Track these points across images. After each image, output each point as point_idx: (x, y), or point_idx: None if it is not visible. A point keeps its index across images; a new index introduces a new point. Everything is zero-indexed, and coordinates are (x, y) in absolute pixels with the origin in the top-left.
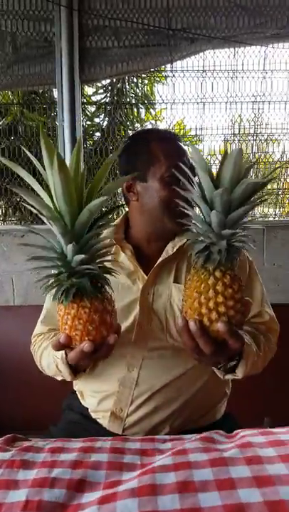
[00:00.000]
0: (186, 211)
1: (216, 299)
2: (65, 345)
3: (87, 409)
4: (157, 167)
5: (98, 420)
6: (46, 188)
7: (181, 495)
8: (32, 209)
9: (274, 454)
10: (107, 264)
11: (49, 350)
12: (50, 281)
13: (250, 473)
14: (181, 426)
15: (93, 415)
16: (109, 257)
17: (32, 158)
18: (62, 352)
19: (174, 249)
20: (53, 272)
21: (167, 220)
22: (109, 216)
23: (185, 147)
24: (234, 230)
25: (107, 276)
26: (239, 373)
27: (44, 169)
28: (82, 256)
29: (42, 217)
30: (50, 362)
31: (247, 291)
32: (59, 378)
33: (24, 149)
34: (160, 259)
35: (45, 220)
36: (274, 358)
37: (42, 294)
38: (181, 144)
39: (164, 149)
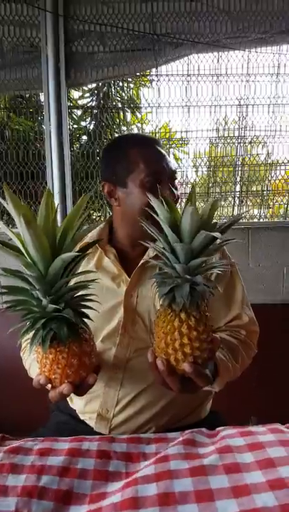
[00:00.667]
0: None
1: (182, 340)
2: (44, 386)
3: (75, 410)
4: (136, 173)
5: (86, 421)
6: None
7: (161, 508)
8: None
9: (251, 460)
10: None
11: (35, 367)
12: (27, 327)
13: (228, 483)
14: (166, 425)
15: (81, 416)
16: (88, 296)
17: (3, 203)
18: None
19: (155, 252)
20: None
21: (147, 223)
22: (81, 262)
23: (164, 152)
24: (193, 278)
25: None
26: (216, 387)
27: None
28: (56, 306)
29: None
30: None
31: (227, 293)
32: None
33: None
34: (142, 260)
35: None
36: (260, 356)
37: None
38: (160, 149)
39: (142, 155)
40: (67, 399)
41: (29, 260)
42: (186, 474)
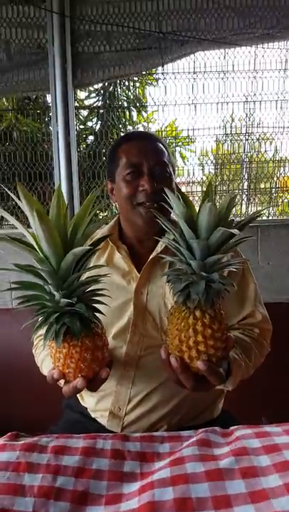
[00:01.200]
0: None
1: (196, 338)
2: (58, 380)
3: (87, 408)
4: (120, 167)
5: (97, 419)
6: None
7: None
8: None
9: (268, 463)
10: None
11: (48, 363)
12: (40, 321)
13: (245, 488)
14: (178, 424)
15: (92, 414)
16: (100, 291)
17: (16, 199)
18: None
19: (162, 247)
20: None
21: (133, 216)
22: (92, 258)
23: (160, 146)
24: (210, 274)
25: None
26: (229, 386)
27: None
28: (69, 300)
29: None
30: None
31: (240, 291)
32: (61, 385)
33: (5, 189)
34: (151, 257)
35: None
36: (271, 355)
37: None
38: (152, 143)
39: (126, 149)
40: (78, 397)
41: (42, 255)
42: (202, 478)
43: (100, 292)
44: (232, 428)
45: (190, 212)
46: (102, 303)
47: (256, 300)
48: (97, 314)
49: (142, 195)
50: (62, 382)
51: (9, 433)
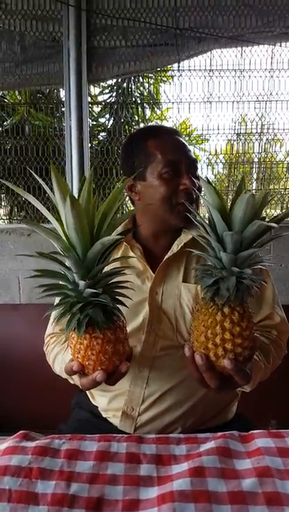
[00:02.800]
0: (190, 206)
1: (223, 335)
2: (77, 372)
3: (97, 407)
4: (154, 165)
5: (109, 419)
6: (56, 213)
7: None
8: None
9: None
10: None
11: (61, 357)
12: (63, 310)
13: None
14: (193, 426)
15: (103, 414)
16: (123, 283)
17: (46, 188)
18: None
19: (179, 247)
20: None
21: (170, 216)
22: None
23: (186, 142)
24: (242, 270)
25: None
26: (247, 388)
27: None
28: (95, 290)
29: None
30: (63, 368)
31: (258, 293)
32: (72, 382)
33: (32, 172)
34: (166, 257)
35: (58, 249)
36: (282, 360)
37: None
38: (180, 138)
39: (159, 146)
40: (89, 395)
41: (68, 244)
42: (225, 499)
43: (123, 285)
44: (252, 433)
45: (222, 204)
46: (125, 295)
47: (274, 301)
48: (120, 306)
49: (182, 195)
50: (75, 377)
51: (19, 432)
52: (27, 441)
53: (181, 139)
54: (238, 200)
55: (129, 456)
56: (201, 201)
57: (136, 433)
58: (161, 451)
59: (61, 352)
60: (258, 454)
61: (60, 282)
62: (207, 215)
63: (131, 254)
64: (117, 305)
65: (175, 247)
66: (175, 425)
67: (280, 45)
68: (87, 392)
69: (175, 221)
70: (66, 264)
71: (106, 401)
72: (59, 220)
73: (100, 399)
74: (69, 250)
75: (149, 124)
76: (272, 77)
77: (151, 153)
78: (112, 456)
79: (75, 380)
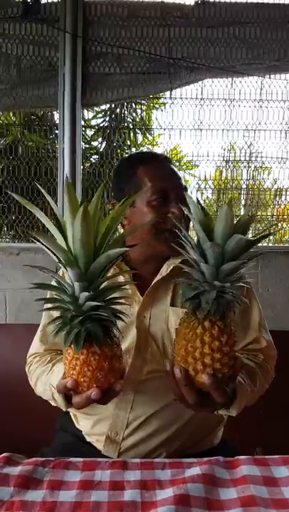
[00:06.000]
0: (179, 233)
1: (203, 349)
2: (70, 390)
3: (81, 431)
4: (144, 191)
5: (93, 443)
6: (58, 227)
7: None
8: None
9: None
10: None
11: (45, 378)
12: (62, 323)
13: None
14: (178, 451)
15: (87, 438)
16: (120, 299)
17: (51, 202)
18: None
19: (168, 270)
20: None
21: (157, 243)
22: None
23: (176, 169)
24: (223, 284)
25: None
26: (233, 411)
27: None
28: (96, 303)
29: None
30: (46, 389)
31: (245, 316)
32: (53, 404)
33: (40, 188)
34: (154, 281)
35: (60, 263)
36: (269, 386)
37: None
38: (171, 166)
39: (149, 173)
40: (74, 419)
41: (71, 258)
42: None
43: (120, 301)
44: (237, 458)
45: (207, 221)
46: (122, 312)
47: (261, 325)
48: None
49: (170, 222)
50: (58, 399)
51: (1, 455)
52: (10, 467)
53: (171, 165)
54: (218, 213)
55: (113, 483)
56: (191, 225)
57: (120, 458)
58: (146, 476)
59: (45, 373)
60: (244, 483)
61: (56, 297)
62: (196, 238)
63: (120, 277)
64: (116, 320)
65: (164, 271)
66: (160, 450)
67: (269, 77)
68: (71, 415)
69: (162, 248)
70: (66, 279)
71: (90, 425)
72: (63, 234)
73: (84, 422)
74: (72, 263)
75: (141, 149)
76: (261, 107)
77: (142, 180)
78: (96, 485)
79: (58, 402)
